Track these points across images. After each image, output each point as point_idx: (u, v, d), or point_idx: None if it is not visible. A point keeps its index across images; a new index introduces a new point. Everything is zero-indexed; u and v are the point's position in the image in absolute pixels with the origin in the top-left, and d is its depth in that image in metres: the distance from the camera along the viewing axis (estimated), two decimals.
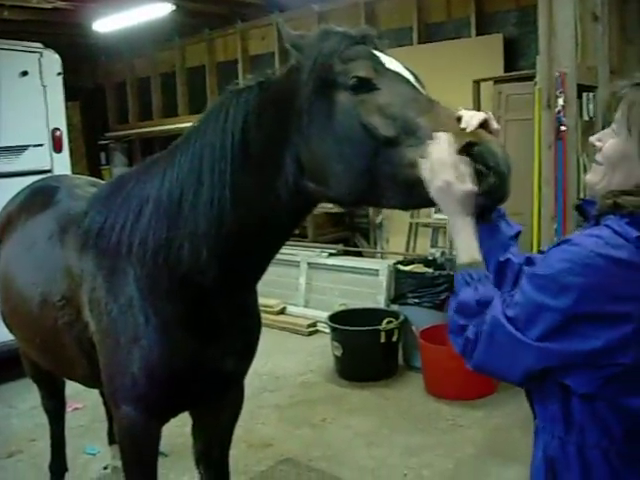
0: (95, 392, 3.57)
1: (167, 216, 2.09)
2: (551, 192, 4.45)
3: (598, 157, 1.56)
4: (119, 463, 2.53)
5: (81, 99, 11.37)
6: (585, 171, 4.18)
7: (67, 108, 6.39)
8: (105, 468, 4.02)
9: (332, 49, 1.81)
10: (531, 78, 5.05)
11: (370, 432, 4.48)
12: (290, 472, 4.00)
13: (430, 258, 6.00)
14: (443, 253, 5.99)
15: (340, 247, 7.78)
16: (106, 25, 8.60)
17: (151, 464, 2.41)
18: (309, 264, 7.21)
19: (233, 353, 2.31)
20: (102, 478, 3.99)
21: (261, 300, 2.49)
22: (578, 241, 1.43)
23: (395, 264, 6.09)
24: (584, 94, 4.59)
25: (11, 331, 3.01)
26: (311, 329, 6.70)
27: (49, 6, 7.73)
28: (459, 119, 1.63)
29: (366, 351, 5.36)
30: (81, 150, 11.27)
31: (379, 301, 6.42)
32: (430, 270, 5.68)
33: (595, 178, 1.57)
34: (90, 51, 11.03)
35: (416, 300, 5.45)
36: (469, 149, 1.56)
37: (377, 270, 6.61)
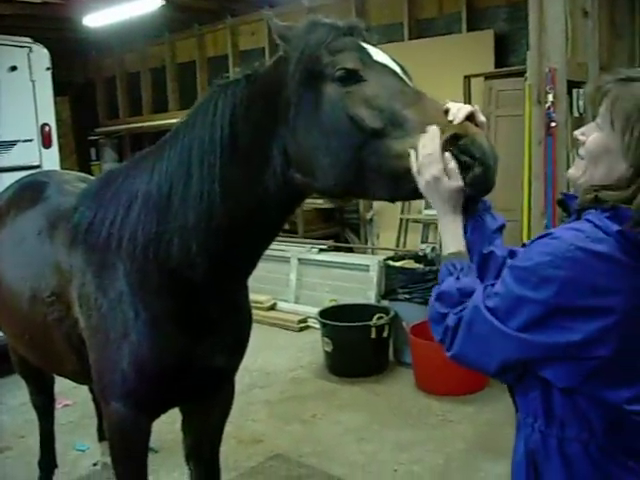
0: (85, 389, 3.57)
1: (156, 210, 2.09)
2: (541, 188, 4.46)
3: (581, 151, 1.57)
4: (109, 459, 2.52)
5: (71, 94, 11.34)
6: None
7: (56, 103, 6.37)
8: (95, 464, 4.01)
9: (319, 40, 1.80)
10: (521, 74, 5.07)
11: (360, 428, 4.49)
12: (280, 468, 4.00)
13: (420, 254, 5.99)
14: (433, 249, 5.98)
15: (330, 243, 7.79)
16: (96, 20, 8.59)
17: (141, 460, 2.40)
18: (299, 260, 7.20)
19: (224, 349, 2.31)
20: (92, 474, 3.97)
21: (251, 296, 2.47)
22: (559, 234, 1.44)
23: (385, 260, 6.09)
24: (574, 90, 4.60)
25: (0, 327, 3.00)
26: (301, 325, 6.69)
27: (39, 0, 7.69)
28: (446, 111, 1.63)
29: (356, 347, 5.36)
30: (71, 146, 11.25)
31: (369, 297, 6.41)
32: (420, 266, 5.69)
33: (577, 172, 1.57)
34: (80, 46, 11.00)
35: (406, 296, 5.46)
36: (455, 141, 1.56)
37: (368, 266, 6.61)
